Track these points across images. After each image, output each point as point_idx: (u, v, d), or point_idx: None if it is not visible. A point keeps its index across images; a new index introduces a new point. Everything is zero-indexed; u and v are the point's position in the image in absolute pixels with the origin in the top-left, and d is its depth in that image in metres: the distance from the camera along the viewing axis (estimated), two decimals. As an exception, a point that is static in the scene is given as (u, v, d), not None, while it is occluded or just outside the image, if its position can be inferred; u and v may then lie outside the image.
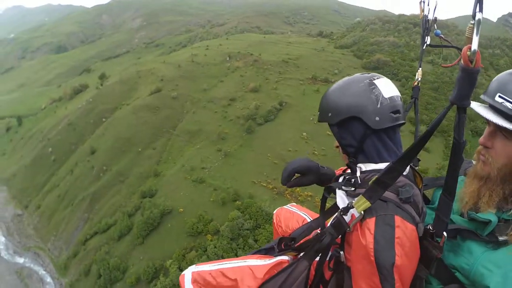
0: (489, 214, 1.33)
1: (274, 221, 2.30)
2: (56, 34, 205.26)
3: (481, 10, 0.98)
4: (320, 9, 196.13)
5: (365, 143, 1.57)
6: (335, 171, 1.96)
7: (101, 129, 64.75)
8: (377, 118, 1.50)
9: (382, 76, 1.61)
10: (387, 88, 1.55)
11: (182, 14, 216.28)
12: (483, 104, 1.35)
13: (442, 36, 1.67)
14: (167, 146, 56.08)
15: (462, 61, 1.03)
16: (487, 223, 1.31)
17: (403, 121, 1.58)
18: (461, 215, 1.46)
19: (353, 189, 1.51)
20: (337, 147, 1.71)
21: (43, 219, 57.63)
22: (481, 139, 1.38)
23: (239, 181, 42.32)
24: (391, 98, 1.53)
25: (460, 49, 1.37)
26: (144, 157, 54.01)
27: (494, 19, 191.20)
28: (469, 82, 1.05)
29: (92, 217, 48.75)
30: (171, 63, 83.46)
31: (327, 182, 1.82)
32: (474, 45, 1.00)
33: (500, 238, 1.29)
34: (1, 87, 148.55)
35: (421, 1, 2.00)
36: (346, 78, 1.65)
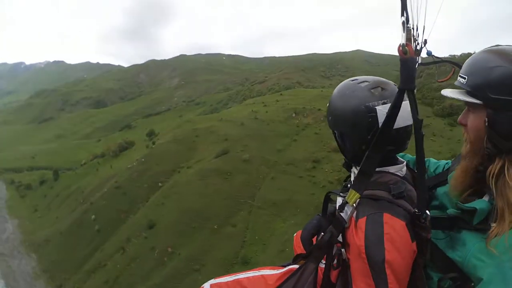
0: (478, 202, 1.33)
1: (294, 243, 2.17)
2: (95, 89, 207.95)
3: (402, 14, 1.22)
4: (352, 61, 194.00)
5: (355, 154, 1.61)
6: None
7: (158, 197, 54.05)
8: (363, 147, 1.51)
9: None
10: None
11: (218, 73, 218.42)
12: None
13: (434, 55, 1.64)
14: (249, 221, 44.40)
15: (398, 55, 1.25)
16: (474, 211, 1.31)
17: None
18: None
19: None
20: None
21: (85, 311, 45.06)
22: (459, 118, 1.47)
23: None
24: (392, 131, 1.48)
25: (451, 62, 1.60)
26: (223, 237, 42.13)
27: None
28: (408, 69, 1.25)
29: (157, 322, 36.01)
30: (230, 121, 75.02)
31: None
32: (403, 40, 1.23)
33: (493, 225, 1.27)
34: (38, 137, 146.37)
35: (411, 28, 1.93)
36: (354, 85, 1.60)
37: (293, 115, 74.98)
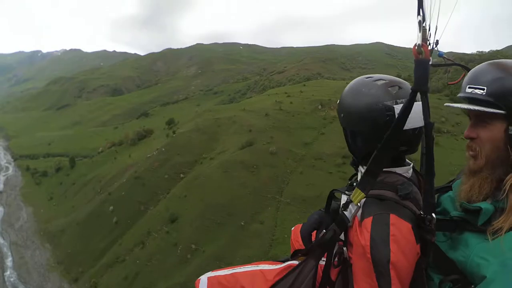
0: (482, 203, 1.34)
1: (292, 237, 2.18)
2: (112, 77, 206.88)
3: (419, 13, 1.22)
4: (373, 53, 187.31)
5: (366, 153, 1.59)
6: None
7: (180, 189, 51.35)
8: (378, 146, 1.45)
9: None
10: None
11: (235, 63, 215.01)
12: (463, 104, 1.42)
13: (445, 56, 1.71)
14: (278, 219, 41.29)
15: (413, 55, 1.23)
16: (479, 211, 1.31)
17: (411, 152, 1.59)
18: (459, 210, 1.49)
19: None
20: None
21: (103, 307, 42.78)
22: (465, 132, 1.43)
23: None
24: (404, 131, 1.43)
25: (461, 66, 1.60)
26: (250, 234, 39.18)
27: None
28: (423, 70, 1.23)
29: (180, 324, 33.45)
30: (253, 111, 71.64)
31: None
32: (418, 41, 1.22)
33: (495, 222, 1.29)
34: (55, 123, 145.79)
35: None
36: (370, 83, 1.57)
37: (319, 107, 70.90)
